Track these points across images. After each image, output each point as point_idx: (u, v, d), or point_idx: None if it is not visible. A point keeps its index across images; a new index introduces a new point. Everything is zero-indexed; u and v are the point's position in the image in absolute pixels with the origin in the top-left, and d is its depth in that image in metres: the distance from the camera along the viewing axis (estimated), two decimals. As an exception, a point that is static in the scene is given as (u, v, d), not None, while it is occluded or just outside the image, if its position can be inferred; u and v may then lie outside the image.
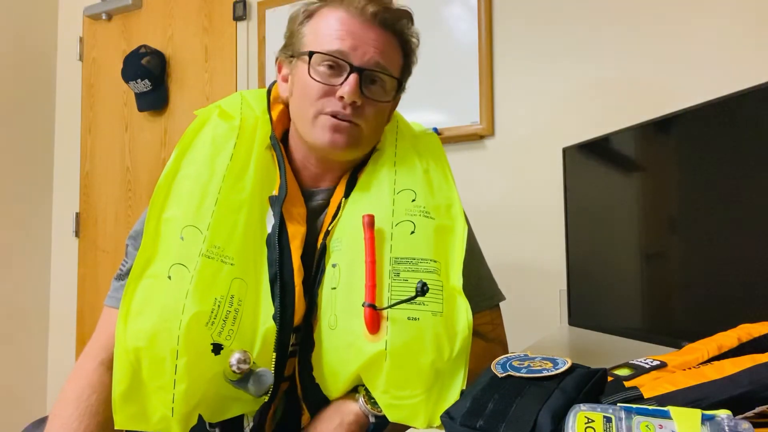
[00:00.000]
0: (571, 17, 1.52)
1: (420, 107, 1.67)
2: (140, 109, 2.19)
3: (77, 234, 2.37)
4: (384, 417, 0.66)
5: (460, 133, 1.62)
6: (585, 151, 1.16)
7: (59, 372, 2.35)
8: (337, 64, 0.73)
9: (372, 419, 0.68)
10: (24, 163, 2.33)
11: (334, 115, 0.74)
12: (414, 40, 0.80)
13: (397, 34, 0.77)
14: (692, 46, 1.37)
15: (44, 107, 2.42)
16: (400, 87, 0.81)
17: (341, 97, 0.72)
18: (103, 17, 2.33)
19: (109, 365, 0.72)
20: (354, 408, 0.69)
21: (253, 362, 0.65)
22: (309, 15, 0.77)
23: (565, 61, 1.53)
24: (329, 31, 0.74)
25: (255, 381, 0.64)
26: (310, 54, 0.73)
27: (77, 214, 2.38)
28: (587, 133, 1.22)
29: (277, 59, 0.83)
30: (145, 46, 2.16)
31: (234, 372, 0.63)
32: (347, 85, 0.72)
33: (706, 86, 1.34)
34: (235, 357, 0.62)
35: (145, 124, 2.25)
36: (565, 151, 1.22)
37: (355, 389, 0.70)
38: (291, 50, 0.79)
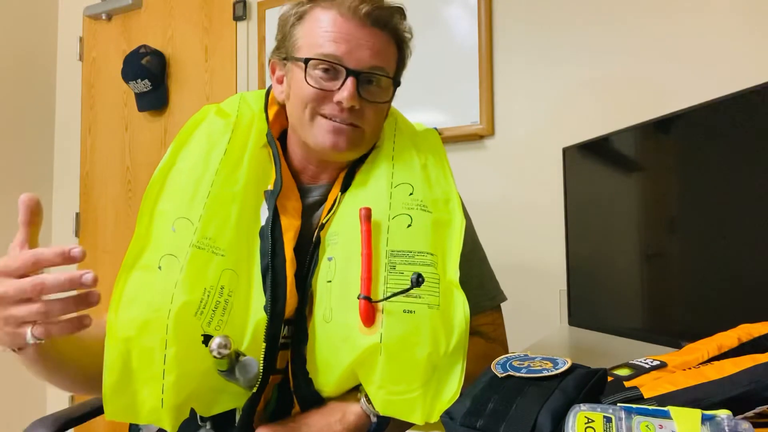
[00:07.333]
0: (571, 17, 1.52)
1: (420, 107, 1.67)
2: (140, 109, 2.19)
3: (77, 234, 2.37)
4: (386, 417, 0.66)
5: (460, 133, 1.62)
6: (585, 151, 1.16)
7: (59, 372, 2.35)
8: (332, 67, 0.73)
9: (374, 419, 0.68)
10: (24, 163, 2.32)
11: (331, 118, 0.74)
12: (407, 34, 0.80)
13: (390, 31, 0.77)
14: (692, 46, 1.37)
15: (44, 107, 2.42)
16: (396, 83, 0.80)
17: (339, 102, 0.72)
18: (103, 17, 2.33)
19: None
20: (356, 407, 0.68)
21: (236, 349, 0.64)
22: (300, 16, 0.76)
23: (565, 61, 1.53)
24: (322, 34, 0.73)
25: (241, 370, 0.64)
26: (306, 61, 0.73)
27: (77, 214, 2.38)
28: (587, 133, 1.22)
29: (269, 60, 0.83)
30: (145, 46, 2.16)
31: (215, 357, 0.62)
32: (345, 90, 0.72)
33: (706, 86, 1.34)
34: (215, 342, 0.62)
35: (145, 124, 2.25)
36: (565, 151, 1.22)
37: (357, 389, 0.70)
38: (284, 53, 0.78)
